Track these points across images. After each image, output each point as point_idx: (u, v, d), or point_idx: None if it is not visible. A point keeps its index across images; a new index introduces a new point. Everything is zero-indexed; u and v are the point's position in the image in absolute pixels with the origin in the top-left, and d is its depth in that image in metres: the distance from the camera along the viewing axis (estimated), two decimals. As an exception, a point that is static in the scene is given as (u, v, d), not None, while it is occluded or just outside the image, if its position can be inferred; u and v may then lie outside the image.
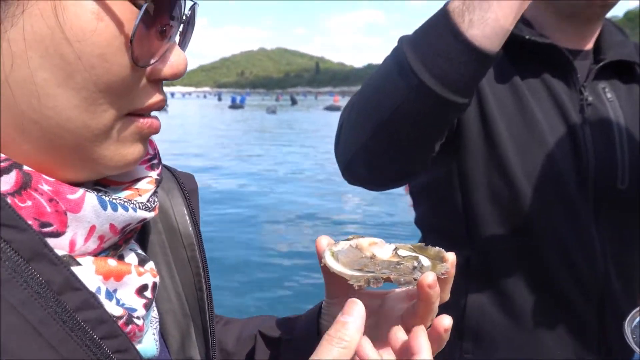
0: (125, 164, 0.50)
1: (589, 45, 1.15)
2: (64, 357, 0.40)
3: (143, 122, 0.49)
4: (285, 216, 8.52)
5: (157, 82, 0.50)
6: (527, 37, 1.06)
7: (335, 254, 0.56)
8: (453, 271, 0.54)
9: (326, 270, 0.56)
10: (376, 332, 0.56)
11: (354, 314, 0.44)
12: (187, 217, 0.66)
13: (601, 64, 1.11)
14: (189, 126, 27.05)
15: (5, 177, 0.41)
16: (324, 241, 0.58)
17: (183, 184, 0.67)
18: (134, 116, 0.49)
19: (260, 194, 10.26)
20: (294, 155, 15.79)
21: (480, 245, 1.08)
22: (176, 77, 0.50)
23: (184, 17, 0.51)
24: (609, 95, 1.12)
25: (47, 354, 0.39)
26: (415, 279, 0.50)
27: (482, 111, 1.05)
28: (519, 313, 1.07)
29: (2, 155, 0.42)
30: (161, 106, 0.51)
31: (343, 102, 63.27)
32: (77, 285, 0.42)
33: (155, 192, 0.55)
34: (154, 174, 0.56)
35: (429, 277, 0.49)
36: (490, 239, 1.07)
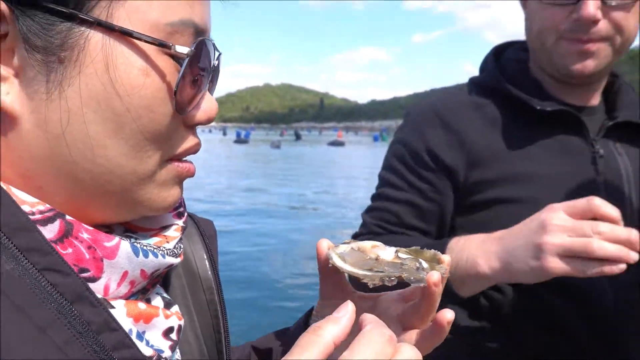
0: (165, 206, 0.53)
1: (595, 102, 1.18)
2: None
3: (182, 166, 0.53)
4: (290, 251, 8.51)
5: (192, 127, 0.54)
6: (537, 107, 1.11)
7: (341, 255, 0.58)
8: (449, 272, 0.58)
9: (325, 272, 0.58)
10: None
11: (341, 311, 0.43)
12: (207, 262, 0.69)
13: (613, 122, 1.14)
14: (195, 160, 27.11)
15: (50, 226, 0.45)
16: (325, 244, 0.60)
17: (203, 230, 0.70)
18: (174, 161, 0.53)
19: (265, 226, 10.28)
20: (295, 188, 15.85)
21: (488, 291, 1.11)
22: (209, 122, 0.55)
23: (213, 67, 0.55)
24: (619, 150, 1.15)
25: None
26: (423, 278, 0.54)
27: (498, 174, 1.10)
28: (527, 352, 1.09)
29: (47, 205, 0.46)
30: (197, 150, 0.55)
31: (347, 137, 63.67)
32: (114, 326, 0.45)
33: (180, 239, 0.58)
34: (180, 222, 0.59)
35: (435, 276, 0.54)
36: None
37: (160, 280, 0.59)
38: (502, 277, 0.95)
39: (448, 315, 0.56)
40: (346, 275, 0.58)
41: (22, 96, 0.45)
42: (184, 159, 0.54)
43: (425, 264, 0.57)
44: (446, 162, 1.13)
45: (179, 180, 0.54)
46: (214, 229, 0.74)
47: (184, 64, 0.48)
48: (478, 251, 0.96)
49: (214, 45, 0.53)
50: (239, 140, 54.19)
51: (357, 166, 21.22)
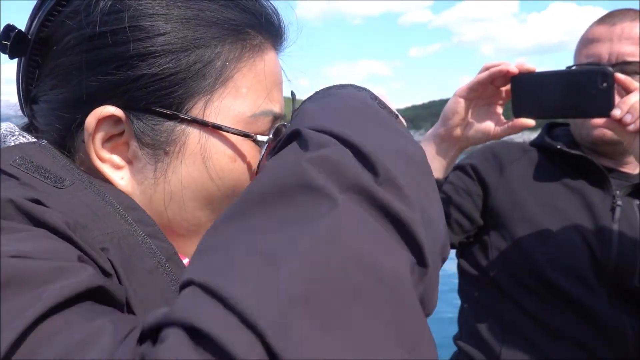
0: None
1: (627, 169, 1.28)
2: None
3: None
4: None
5: None
6: (558, 146, 1.28)
7: None
8: None
9: None
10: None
11: None
12: None
13: (637, 182, 1.23)
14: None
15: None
16: None
17: None
18: None
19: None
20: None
21: (509, 309, 1.25)
22: None
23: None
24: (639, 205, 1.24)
25: None
26: None
27: (514, 203, 1.27)
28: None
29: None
30: None
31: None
32: None
33: None
34: None
35: None
36: (517, 305, 1.23)
37: None
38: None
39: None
40: None
41: (134, 180, 0.54)
42: None
43: None
44: (482, 175, 1.31)
45: None
46: None
47: (263, 149, 0.57)
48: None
49: (285, 125, 0.61)
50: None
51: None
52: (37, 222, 0.42)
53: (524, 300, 1.22)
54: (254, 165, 0.57)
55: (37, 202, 0.45)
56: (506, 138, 1.19)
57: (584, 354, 1.16)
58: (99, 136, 0.52)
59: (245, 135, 0.55)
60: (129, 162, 0.54)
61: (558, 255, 1.20)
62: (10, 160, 0.50)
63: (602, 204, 1.23)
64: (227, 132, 0.54)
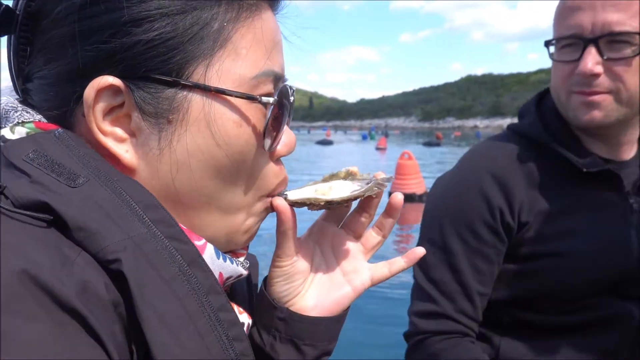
0: (251, 235, 0.61)
1: (628, 155, 1.21)
2: (207, 346, 0.46)
3: (270, 200, 0.61)
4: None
5: (279, 161, 0.61)
6: (584, 170, 1.12)
7: (320, 190, 0.65)
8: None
9: (287, 229, 0.62)
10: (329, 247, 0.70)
11: None
12: (245, 286, 0.75)
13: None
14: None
15: None
16: (283, 200, 0.62)
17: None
18: (267, 197, 0.61)
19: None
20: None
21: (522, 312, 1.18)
22: (290, 153, 0.62)
23: (290, 103, 0.60)
24: None
25: (196, 341, 0.45)
26: (380, 183, 0.64)
27: (539, 232, 1.14)
28: (552, 352, 1.15)
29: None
30: (286, 185, 0.63)
31: (336, 136, 63.62)
32: (219, 290, 0.50)
33: (245, 257, 0.65)
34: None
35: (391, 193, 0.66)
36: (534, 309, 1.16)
37: (228, 291, 0.67)
38: None
39: (399, 196, 0.67)
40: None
41: (138, 153, 0.53)
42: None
43: (369, 176, 0.67)
44: (506, 221, 1.14)
45: (266, 214, 0.63)
46: (256, 261, 0.79)
47: (269, 112, 0.55)
48: None
49: (290, 86, 0.60)
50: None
51: (346, 163, 21.40)
52: (51, 298, 0.39)
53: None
54: (260, 129, 0.56)
55: (46, 206, 0.44)
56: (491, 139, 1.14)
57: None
58: (99, 108, 0.50)
59: (250, 98, 0.54)
60: (132, 134, 0.53)
61: (578, 277, 1.12)
62: (23, 155, 0.48)
63: (617, 210, 1.16)
64: (231, 95, 0.53)
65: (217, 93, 0.52)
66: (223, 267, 0.57)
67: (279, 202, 0.62)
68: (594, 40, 1.06)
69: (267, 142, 0.57)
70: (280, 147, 0.60)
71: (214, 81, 0.52)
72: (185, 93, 0.52)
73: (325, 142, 38.71)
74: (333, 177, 0.68)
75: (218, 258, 0.57)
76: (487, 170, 1.18)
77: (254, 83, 0.54)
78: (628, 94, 1.09)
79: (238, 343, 0.49)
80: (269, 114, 0.56)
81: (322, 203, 0.62)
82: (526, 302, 1.17)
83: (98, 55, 0.50)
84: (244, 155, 0.55)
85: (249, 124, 0.55)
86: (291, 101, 0.61)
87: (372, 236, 0.71)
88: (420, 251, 0.69)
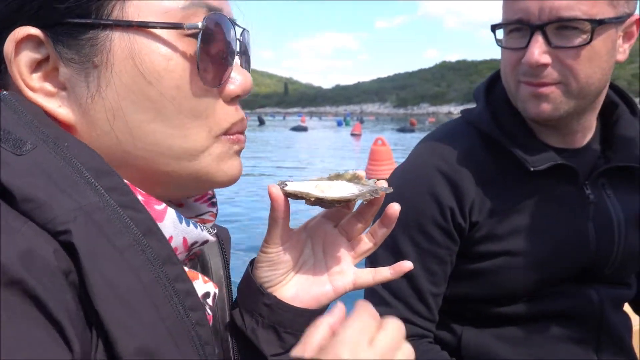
0: (229, 178, 0.57)
1: (581, 142, 1.15)
2: (162, 317, 0.45)
3: (232, 137, 0.57)
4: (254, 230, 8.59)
5: (233, 102, 0.57)
6: (531, 169, 1.07)
7: (320, 186, 0.65)
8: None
9: (279, 216, 0.62)
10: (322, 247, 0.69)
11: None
12: (220, 260, 0.73)
13: (603, 168, 1.13)
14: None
15: None
16: (278, 188, 0.62)
17: (218, 233, 0.72)
18: (224, 135, 0.56)
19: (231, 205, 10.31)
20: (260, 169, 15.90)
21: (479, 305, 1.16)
22: (245, 93, 0.58)
23: (238, 41, 0.58)
24: (608, 191, 1.14)
25: (151, 312, 0.45)
26: (375, 191, 0.63)
27: (493, 230, 1.10)
28: (515, 340, 1.13)
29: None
30: (243, 125, 0.58)
31: (311, 122, 63.51)
32: (175, 260, 0.49)
33: (214, 225, 0.64)
34: (214, 210, 0.66)
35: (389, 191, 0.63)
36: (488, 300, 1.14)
37: (195, 258, 0.66)
38: None
39: (395, 207, 0.65)
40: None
41: (72, 106, 0.51)
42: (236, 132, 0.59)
43: (372, 183, 0.66)
44: (457, 221, 1.11)
45: (234, 151, 0.58)
46: (229, 235, 0.79)
47: (199, 39, 0.51)
48: None
49: (232, 20, 0.56)
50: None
51: (321, 149, 21.38)
52: None
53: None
54: (193, 61, 0.52)
55: None
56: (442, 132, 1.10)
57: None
58: (24, 63, 0.49)
59: (174, 27, 0.51)
60: (63, 87, 0.51)
61: (538, 273, 1.10)
62: None
63: (573, 202, 1.12)
64: (155, 27, 0.50)
65: (139, 27, 0.50)
66: (187, 232, 0.55)
67: (273, 189, 0.61)
68: (541, 27, 0.99)
69: (206, 76, 0.53)
70: (234, 87, 0.57)
71: (134, 16, 0.50)
72: (106, 32, 0.49)
73: (300, 129, 38.43)
74: (339, 177, 0.69)
75: (181, 222, 0.55)
76: (437, 169, 1.14)
77: (183, 14, 0.51)
78: (578, 85, 1.02)
79: (194, 313, 0.49)
80: (199, 42, 0.52)
81: (313, 199, 0.62)
82: (485, 297, 1.15)
83: (10, 5, 0.49)
84: (181, 91, 0.51)
85: (181, 57, 0.52)
86: (240, 38, 0.59)
87: (364, 242, 0.69)
88: (408, 265, 0.68)
